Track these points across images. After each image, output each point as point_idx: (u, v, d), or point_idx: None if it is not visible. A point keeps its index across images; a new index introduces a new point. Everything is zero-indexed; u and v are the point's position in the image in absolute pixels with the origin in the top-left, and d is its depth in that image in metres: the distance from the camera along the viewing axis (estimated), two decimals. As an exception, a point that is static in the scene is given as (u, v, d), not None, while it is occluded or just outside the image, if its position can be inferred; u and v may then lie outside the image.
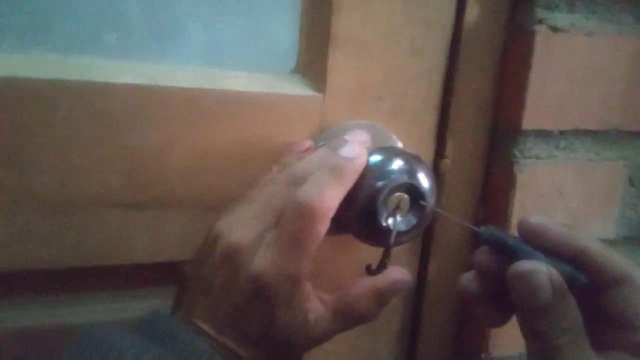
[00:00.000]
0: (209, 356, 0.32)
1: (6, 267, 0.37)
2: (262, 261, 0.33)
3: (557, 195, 0.46)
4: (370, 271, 0.37)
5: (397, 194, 0.36)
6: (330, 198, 0.34)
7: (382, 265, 0.37)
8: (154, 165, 0.39)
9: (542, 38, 0.42)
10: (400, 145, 0.43)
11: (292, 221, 0.33)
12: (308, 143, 0.41)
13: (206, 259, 0.35)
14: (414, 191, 0.36)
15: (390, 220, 0.36)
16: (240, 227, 0.35)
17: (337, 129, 0.42)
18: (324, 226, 0.34)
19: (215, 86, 0.39)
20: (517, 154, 0.44)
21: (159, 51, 0.41)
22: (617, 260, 0.33)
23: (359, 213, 0.36)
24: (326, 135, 0.42)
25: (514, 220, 0.44)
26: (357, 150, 0.36)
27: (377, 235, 0.37)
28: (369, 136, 0.40)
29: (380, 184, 0.36)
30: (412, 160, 0.38)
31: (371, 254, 0.39)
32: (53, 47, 0.38)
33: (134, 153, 0.38)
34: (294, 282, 0.34)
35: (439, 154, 0.45)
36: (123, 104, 0.37)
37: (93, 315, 0.40)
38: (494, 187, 0.46)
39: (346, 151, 0.35)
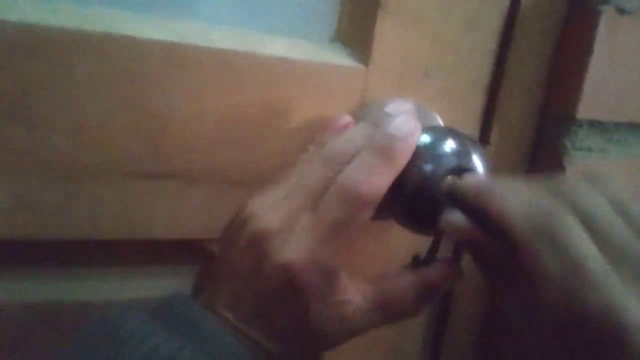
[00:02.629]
0: (233, 349, 0.29)
1: (10, 235, 0.34)
2: (295, 248, 0.30)
3: (604, 192, 0.43)
4: (417, 262, 0.34)
5: (450, 177, 0.33)
6: (379, 183, 0.30)
7: (431, 256, 0.34)
8: (179, 133, 0.35)
9: (607, 20, 0.39)
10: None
11: (333, 206, 0.30)
12: (347, 119, 0.37)
13: (233, 241, 0.32)
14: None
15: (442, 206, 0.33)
16: (270, 209, 0.31)
17: (376, 106, 0.38)
18: (368, 214, 0.31)
19: (251, 49, 0.35)
20: (568, 144, 0.41)
21: (190, 8, 0.37)
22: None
23: (407, 198, 0.33)
24: (365, 111, 0.38)
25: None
26: (409, 126, 0.32)
27: (426, 222, 0.33)
28: (412, 106, 0.36)
29: (430, 167, 0.33)
30: (466, 141, 0.34)
31: (412, 240, 0.36)
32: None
33: (158, 118, 0.34)
34: (330, 273, 0.30)
35: (484, 139, 0.42)
36: (149, 61, 0.33)
37: (106, 292, 0.37)
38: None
39: (396, 128, 0.31)
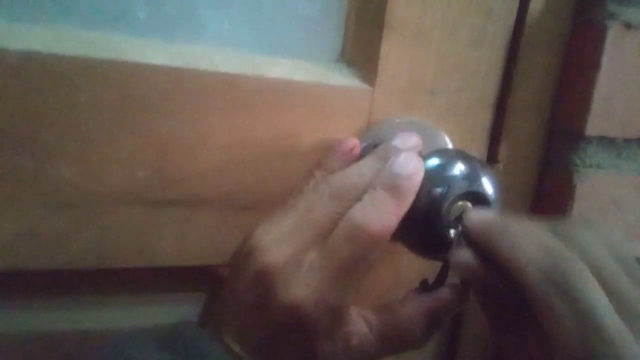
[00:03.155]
0: None
1: (16, 265, 0.33)
2: (302, 287, 0.29)
3: (615, 209, 0.42)
4: (425, 287, 0.33)
5: (460, 202, 0.33)
6: (389, 222, 0.30)
7: (440, 281, 0.33)
8: (185, 159, 0.35)
9: (614, 35, 0.38)
10: (451, 146, 0.40)
11: (343, 244, 0.29)
12: (353, 142, 0.36)
13: (240, 273, 0.31)
14: (478, 199, 0.33)
15: (452, 232, 0.32)
16: (277, 243, 0.30)
17: (383, 127, 0.38)
18: (378, 253, 0.30)
19: (256, 72, 0.35)
20: (577, 161, 0.40)
21: (193, 31, 0.36)
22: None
23: (416, 222, 0.32)
24: (372, 133, 0.38)
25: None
26: (413, 164, 0.32)
27: (435, 247, 0.33)
28: (419, 138, 0.36)
29: (439, 191, 0.32)
30: (475, 164, 0.34)
31: (420, 264, 0.35)
32: (78, 21, 0.34)
33: (163, 144, 0.34)
34: (338, 312, 0.30)
35: (492, 157, 0.42)
36: (153, 87, 0.33)
37: (111, 321, 0.36)
38: (548, 196, 0.42)
39: (402, 167, 0.31)
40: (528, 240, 0.27)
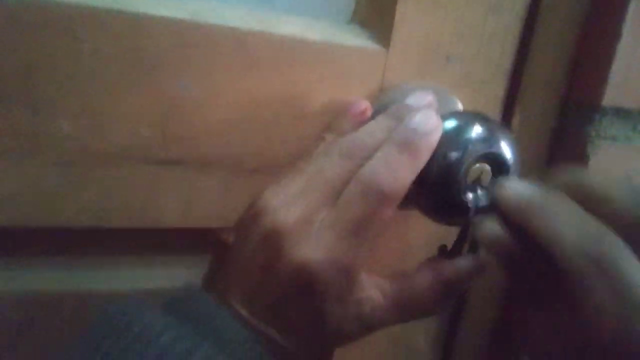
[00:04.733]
0: (249, 345, 0.28)
1: (15, 221, 0.32)
2: (313, 246, 0.28)
3: (627, 182, 0.41)
4: (444, 253, 0.33)
5: (478, 165, 0.32)
6: (403, 180, 0.29)
7: (458, 247, 0.32)
8: (192, 117, 0.33)
9: (636, 4, 0.37)
10: (464, 113, 0.38)
11: (356, 203, 0.28)
12: (364, 104, 0.35)
13: (247, 235, 0.30)
14: (497, 162, 0.32)
15: (470, 195, 0.31)
16: (286, 203, 0.30)
17: (396, 92, 0.37)
18: (392, 212, 0.29)
19: (267, 29, 0.34)
20: (592, 132, 0.39)
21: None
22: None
23: (431, 187, 0.31)
24: (384, 97, 0.37)
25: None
26: (432, 122, 0.30)
27: (452, 212, 0.32)
28: (434, 98, 0.34)
29: (456, 154, 0.31)
30: (493, 126, 0.32)
31: (431, 231, 0.34)
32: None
33: (169, 101, 0.33)
34: (350, 274, 0.29)
35: (505, 126, 0.41)
36: (159, 40, 0.32)
37: (113, 282, 0.35)
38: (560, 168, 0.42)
39: (419, 123, 0.30)
40: (566, 218, 0.27)
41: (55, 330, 0.35)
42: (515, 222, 0.29)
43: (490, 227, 0.30)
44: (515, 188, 0.29)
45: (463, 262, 0.32)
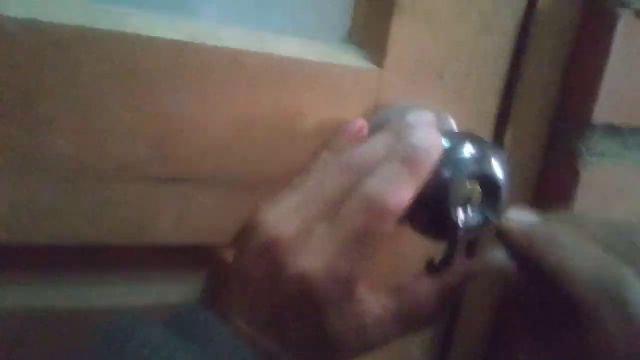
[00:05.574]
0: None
1: (10, 238, 0.32)
2: (311, 258, 0.28)
3: (618, 197, 0.42)
4: (431, 268, 0.33)
5: (469, 184, 0.32)
6: (404, 195, 0.29)
7: (445, 262, 0.33)
8: (187, 135, 0.34)
9: (625, 24, 0.38)
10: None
11: (357, 217, 0.29)
12: (360, 122, 0.36)
13: (246, 248, 0.31)
14: (487, 182, 0.32)
15: (460, 214, 0.32)
16: (284, 216, 0.30)
17: (390, 110, 0.37)
18: (391, 227, 0.29)
19: (262, 49, 0.34)
20: (583, 149, 0.40)
21: (198, 7, 0.35)
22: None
23: (423, 205, 0.32)
24: (378, 115, 0.37)
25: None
26: (433, 139, 0.31)
27: (442, 230, 0.32)
28: (433, 116, 0.35)
29: (448, 172, 0.32)
30: (485, 146, 0.33)
31: (424, 246, 0.35)
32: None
33: (165, 119, 0.33)
34: (349, 286, 0.29)
35: (497, 143, 0.41)
36: (156, 61, 0.32)
37: (109, 298, 0.36)
38: (552, 184, 0.42)
39: (420, 140, 0.30)
40: (578, 251, 0.27)
41: (50, 347, 0.35)
42: (523, 251, 0.29)
43: (499, 258, 0.30)
44: (522, 219, 0.30)
45: (460, 267, 0.33)
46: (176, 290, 0.37)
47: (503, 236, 0.30)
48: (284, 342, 0.30)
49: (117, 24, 0.31)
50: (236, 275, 0.31)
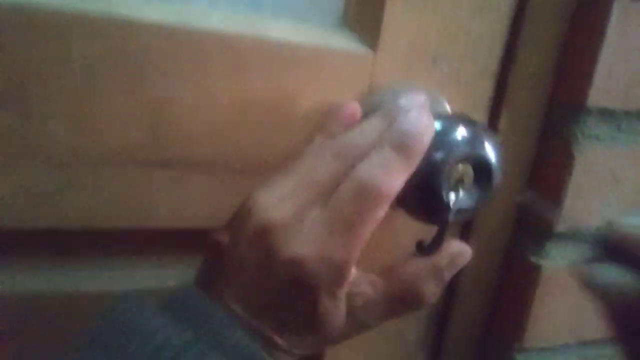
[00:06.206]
0: (244, 343, 0.28)
1: (5, 223, 0.32)
2: (304, 242, 0.29)
3: (612, 181, 0.42)
4: (421, 249, 0.33)
5: (460, 166, 0.32)
6: (397, 181, 0.29)
7: (435, 244, 0.33)
8: (180, 120, 0.34)
9: (620, 7, 0.38)
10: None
11: (350, 202, 0.29)
12: (354, 106, 0.36)
13: (239, 233, 0.31)
14: (480, 164, 0.32)
15: (451, 196, 0.32)
16: (277, 201, 0.30)
17: (384, 93, 0.37)
18: (384, 212, 0.29)
19: (255, 33, 0.34)
20: (577, 132, 0.40)
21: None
22: None
23: (415, 187, 0.32)
24: (372, 99, 0.37)
25: (567, 205, 0.41)
26: (425, 122, 0.31)
27: (433, 212, 0.33)
28: (426, 98, 0.35)
29: (440, 155, 0.32)
30: (478, 128, 0.33)
31: (417, 228, 0.35)
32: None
33: (160, 104, 0.33)
34: (341, 270, 0.29)
35: (492, 126, 0.41)
36: (148, 45, 0.32)
37: (104, 282, 0.36)
38: (546, 167, 0.42)
39: (412, 124, 0.30)
40: None
41: (47, 331, 0.35)
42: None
43: (609, 274, 0.26)
44: (634, 224, 0.26)
45: (452, 248, 0.33)
46: (172, 274, 0.37)
47: (618, 247, 0.26)
48: (278, 326, 0.30)
49: (108, 7, 0.31)
50: (231, 260, 0.31)
